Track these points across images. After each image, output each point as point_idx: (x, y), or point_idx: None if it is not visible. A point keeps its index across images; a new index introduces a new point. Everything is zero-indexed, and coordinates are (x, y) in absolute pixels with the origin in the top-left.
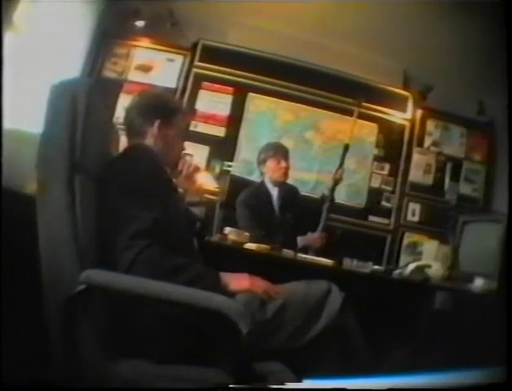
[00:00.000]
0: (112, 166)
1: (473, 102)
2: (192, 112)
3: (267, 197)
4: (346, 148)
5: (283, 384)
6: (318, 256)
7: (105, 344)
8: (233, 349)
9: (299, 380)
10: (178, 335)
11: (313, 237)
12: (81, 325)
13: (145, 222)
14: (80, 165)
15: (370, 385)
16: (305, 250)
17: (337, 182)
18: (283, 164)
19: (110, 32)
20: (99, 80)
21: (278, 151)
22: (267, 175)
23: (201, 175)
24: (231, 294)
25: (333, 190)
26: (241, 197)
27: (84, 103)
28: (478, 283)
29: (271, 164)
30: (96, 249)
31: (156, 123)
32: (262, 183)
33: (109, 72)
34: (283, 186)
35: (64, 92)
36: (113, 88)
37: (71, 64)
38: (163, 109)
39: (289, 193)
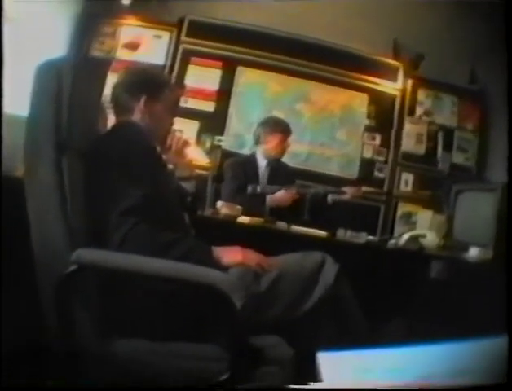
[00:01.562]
0: (99, 144)
1: (464, 71)
2: (181, 87)
3: (254, 167)
4: None
5: (282, 357)
6: (311, 226)
7: (101, 324)
8: (228, 323)
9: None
10: (172, 311)
11: (282, 195)
12: (75, 305)
13: (135, 199)
14: (67, 145)
15: (368, 359)
16: (293, 217)
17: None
18: (287, 142)
19: (96, 12)
20: (86, 58)
21: (285, 129)
22: (263, 148)
23: (191, 150)
24: (224, 268)
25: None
26: (229, 161)
27: (69, 81)
28: (474, 252)
29: (274, 138)
30: (87, 228)
31: (143, 99)
32: (253, 154)
33: (97, 52)
34: (273, 159)
35: (49, 71)
36: (101, 67)
37: (58, 46)
38: (149, 84)
39: (278, 166)
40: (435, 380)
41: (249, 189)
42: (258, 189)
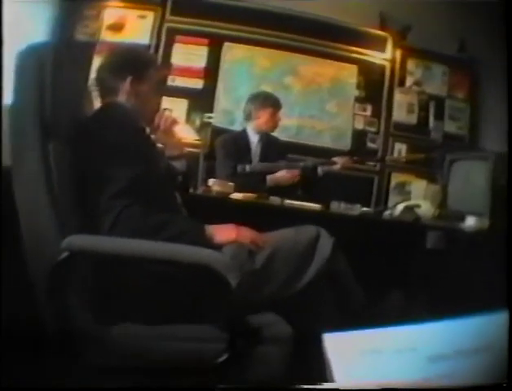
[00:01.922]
0: (84, 127)
1: (453, 39)
2: (167, 66)
3: (246, 143)
4: None
5: (280, 336)
6: (304, 199)
7: (96, 310)
8: (224, 302)
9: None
10: (168, 293)
11: (282, 174)
12: (70, 292)
13: (124, 181)
14: (52, 131)
15: (374, 339)
16: (285, 191)
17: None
18: (277, 116)
19: None
20: (69, 42)
21: (275, 104)
22: (255, 124)
23: (180, 128)
24: (217, 246)
25: None
26: (220, 138)
27: (51, 66)
28: (470, 221)
29: (264, 113)
30: (77, 214)
31: (128, 79)
32: (244, 130)
33: (81, 35)
34: (264, 134)
35: (30, 57)
36: (85, 50)
37: (40, 31)
38: (134, 64)
39: (269, 141)
40: (444, 361)
41: (239, 168)
42: (247, 168)
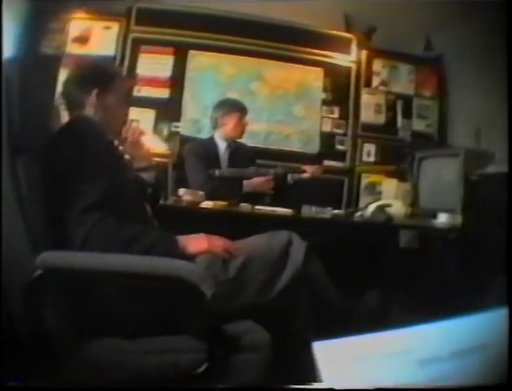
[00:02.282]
0: (53, 142)
1: (419, 38)
2: (132, 77)
3: (214, 150)
4: None
5: (258, 343)
6: (275, 205)
7: (73, 326)
8: (200, 313)
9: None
10: (143, 307)
11: (258, 180)
12: (46, 309)
13: (94, 195)
14: (21, 147)
15: (365, 345)
16: (255, 198)
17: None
18: (244, 121)
19: (44, 8)
20: (35, 57)
21: (241, 109)
22: (222, 131)
23: (148, 139)
24: (191, 257)
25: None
26: (188, 146)
27: (17, 82)
28: (442, 218)
29: (231, 119)
30: (49, 230)
31: (94, 92)
32: (211, 137)
33: (47, 49)
34: (232, 141)
35: None
36: (52, 64)
37: (4, 46)
38: (100, 77)
39: (237, 147)
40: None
41: (210, 172)
42: (217, 172)
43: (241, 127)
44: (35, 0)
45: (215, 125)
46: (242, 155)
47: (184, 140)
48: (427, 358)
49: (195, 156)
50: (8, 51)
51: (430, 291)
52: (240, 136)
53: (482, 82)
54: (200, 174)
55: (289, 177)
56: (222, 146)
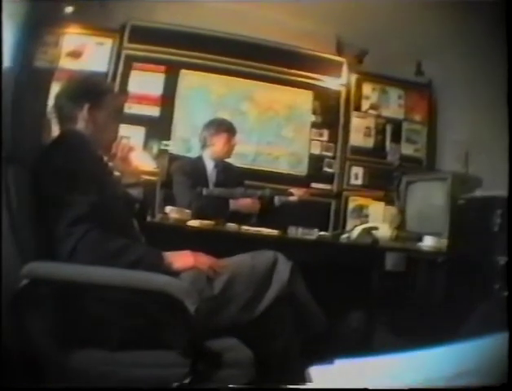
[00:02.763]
0: (43, 155)
1: (410, 63)
2: (124, 93)
3: (202, 169)
4: None
5: (241, 360)
6: (261, 225)
7: (57, 337)
8: (184, 328)
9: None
10: (128, 320)
11: (245, 201)
12: (31, 320)
13: (82, 208)
14: (12, 157)
15: (360, 369)
16: (242, 218)
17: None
18: (233, 141)
19: (38, 21)
20: (29, 69)
21: (230, 129)
22: (210, 151)
23: (137, 156)
24: (176, 273)
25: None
26: (176, 164)
27: (10, 94)
28: (428, 241)
29: (220, 139)
30: (36, 241)
31: (86, 106)
32: (200, 157)
33: (40, 62)
34: (220, 161)
35: None
36: (44, 77)
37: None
38: (91, 92)
39: (225, 167)
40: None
41: (197, 190)
42: (204, 191)
43: (229, 147)
44: (31, 10)
45: (204, 145)
46: (230, 175)
47: (173, 159)
48: (419, 383)
49: (183, 174)
50: (3, 62)
51: (415, 314)
52: (228, 156)
53: (471, 108)
54: (188, 193)
55: (276, 199)
56: (210, 165)
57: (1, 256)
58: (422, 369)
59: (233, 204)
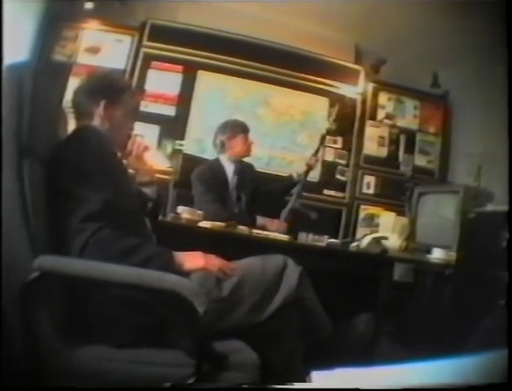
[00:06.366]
0: (59, 149)
1: (427, 74)
2: (141, 92)
3: (222, 173)
4: (324, 137)
5: (245, 362)
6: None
7: (64, 331)
8: (191, 328)
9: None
10: (136, 317)
11: (273, 223)
12: (38, 313)
13: (95, 205)
14: (28, 150)
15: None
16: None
17: (310, 167)
18: (250, 141)
19: (58, 15)
20: (47, 63)
21: (244, 129)
22: (228, 152)
23: (152, 155)
24: (185, 273)
25: (306, 175)
26: (196, 172)
27: (30, 86)
28: (436, 253)
29: (237, 141)
30: (48, 235)
31: (102, 103)
32: (217, 160)
33: (58, 56)
34: (239, 163)
35: (10, 76)
36: (62, 71)
37: (19, 49)
38: (109, 89)
39: (244, 169)
40: None
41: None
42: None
43: (248, 146)
44: (51, 4)
45: (222, 150)
46: (249, 177)
47: (187, 158)
48: None
49: (204, 184)
50: (23, 55)
51: (419, 325)
52: (248, 154)
53: (485, 121)
54: (212, 205)
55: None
56: (229, 169)
57: (1, 252)
58: (423, 380)
59: (260, 220)
